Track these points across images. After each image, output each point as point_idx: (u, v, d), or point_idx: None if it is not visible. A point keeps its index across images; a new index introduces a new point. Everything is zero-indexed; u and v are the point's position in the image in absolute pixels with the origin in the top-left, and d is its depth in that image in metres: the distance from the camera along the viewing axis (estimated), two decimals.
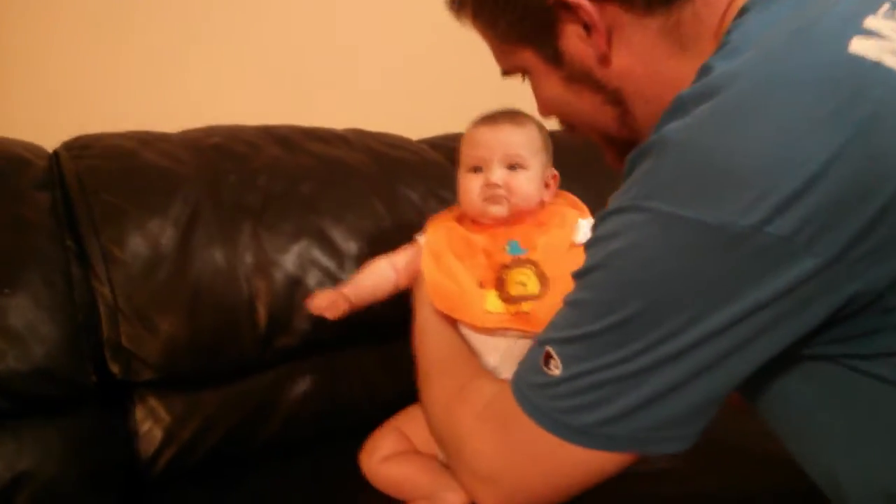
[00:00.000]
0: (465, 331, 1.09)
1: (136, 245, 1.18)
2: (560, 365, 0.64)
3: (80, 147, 1.27)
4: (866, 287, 0.56)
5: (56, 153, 1.27)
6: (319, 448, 1.27)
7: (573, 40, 0.73)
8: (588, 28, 0.71)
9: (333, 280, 1.30)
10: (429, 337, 1.05)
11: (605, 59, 0.72)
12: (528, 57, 0.77)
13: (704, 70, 0.63)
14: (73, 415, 1.13)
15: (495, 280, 1.08)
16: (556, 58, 0.75)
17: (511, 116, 1.12)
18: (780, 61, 0.58)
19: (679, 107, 0.60)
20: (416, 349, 1.04)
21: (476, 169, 1.11)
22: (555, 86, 0.77)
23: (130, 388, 1.20)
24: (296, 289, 1.28)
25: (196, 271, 1.20)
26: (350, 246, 1.34)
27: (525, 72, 0.80)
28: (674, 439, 0.63)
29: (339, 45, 1.75)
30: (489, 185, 1.09)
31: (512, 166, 1.10)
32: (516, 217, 1.11)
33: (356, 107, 1.72)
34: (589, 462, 0.65)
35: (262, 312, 1.25)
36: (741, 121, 0.56)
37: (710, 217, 0.55)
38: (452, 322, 1.08)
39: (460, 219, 1.17)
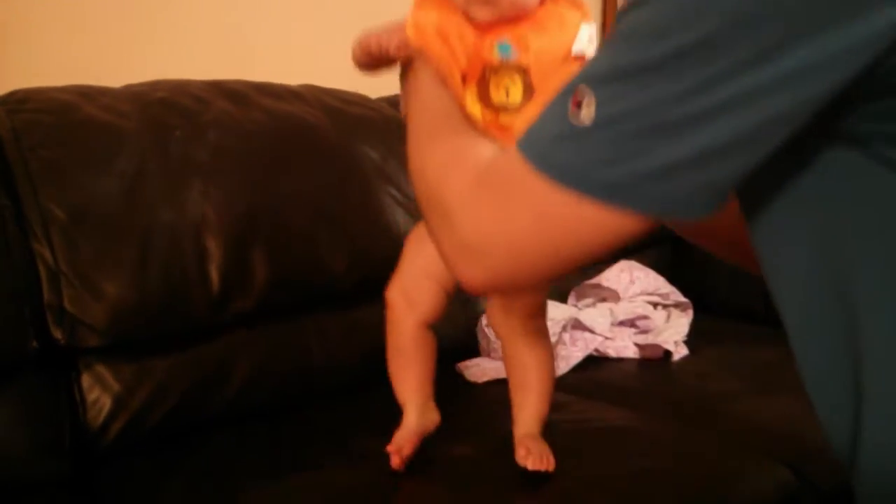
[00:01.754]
0: None
1: (78, 203, 1.14)
2: (594, 107, 0.55)
3: (17, 101, 1.22)
4: None
5: None
6: (278, 415, 1.25)
7: None
8: None
9: (290, 241, 1.28)
10: (423, 95, 0.92)
11: None
12: None
13: None
14: (16, 383, 1.10)
15: (479, 76, 0.98)
16: None
17: None
18: None
19: None
20: (406, 113, 0.91)
21: None
22: None
23: (76, 355, 1.16)
24: (250, 250, 1.25)
25: (143, 231, 1.17)
26: (307, 206, 1.32)
27: None
28: (703, 204, 0.55)
29: None
30: None
31: None
32: (507, 20, 0.98)
33: (310, 63, 1.67)
34: (606, 225, 0.57)
35: (214, 274, 1.21)
36: None
37: None
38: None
39: None
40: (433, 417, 1.11)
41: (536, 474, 1.02)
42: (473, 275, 0.65)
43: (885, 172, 0.54)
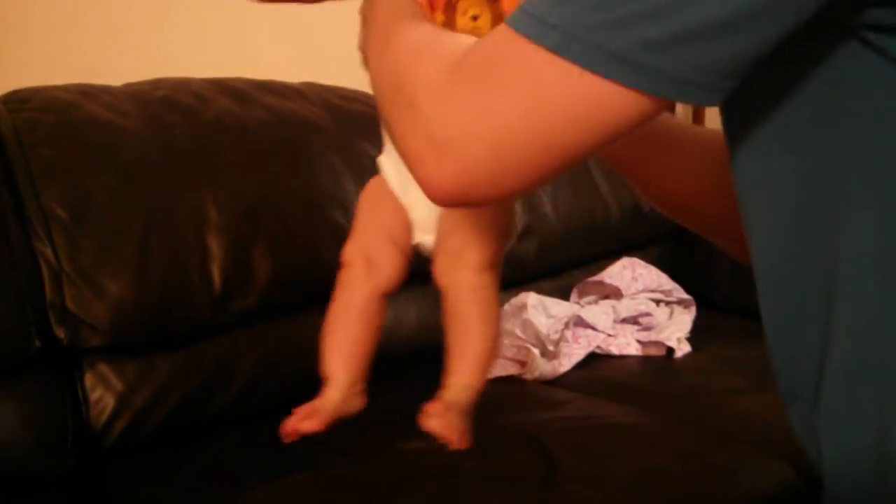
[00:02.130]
0: None
1: (79, 202, 1.14)
2: None
3: (18, 100, 1.22)
4: None
5: None
6: (280, 414, 1.24)
7: None
8: None
9: (291, 239, 1.28)
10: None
11: None
12: None
13: None
14: (20, 382, 1.10)
15: (444, 3, 0.94)
16: None
17: None
18: None
19: None
20: (371, 19, 0.76)
21: None
22: None
23: (79, 354, 1.16)
24: (252, 249, 1.24)
25: (144, 230, 1.17)
26: (309, 204, 1.31)
27: None
28: (709, 87, 0.49)
29: None
30: None
31: None
32: None
33: (310, 60, 1.67)
34: (609, 104, 0.49)
35: (216, 273, 1.21)
36: None
37: None
38: None
39: None
40: (357, 402, 0.97)
41: (536, 472, 1.02)
42: (443, 174, 0.54)
43: (882, 65, 0.49)
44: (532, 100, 0.50)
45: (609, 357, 1.52)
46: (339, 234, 1.31)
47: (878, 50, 0.49)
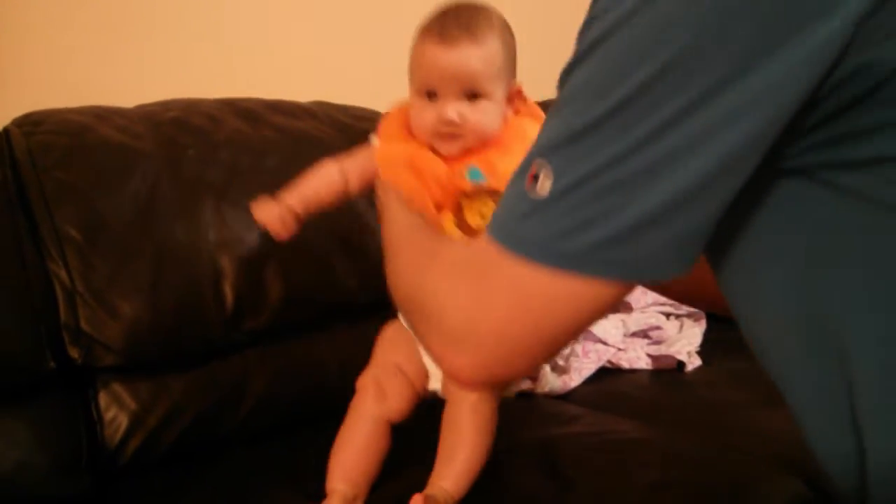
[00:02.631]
0: None
1: (93, 224, 1.15)
2: (550, 177, 0.54)
3: (32, 123, 1.23)
4: (879, 60, 0.48)
5: (6, 130, 1.23)
6: (294, 433, 1.25)
7: None
8: None
9: (303, 258, 1.28)
10: (391, 217, 0.94)
11: None
12: None
13: None
14: (35, 402, 1.10)
15: (454, 204, 1.00)
16: None
17: (468, 28, 0.97)
18: None
19: None
20: (385, 242, 0.92)
21: (429, 94, 1.00)
22: None
23: (93, 374, 1.17)
24: (263, 268, 1.25)
25: (157, 251, 1.18)
26: (319, 222, 1.29)
27: None
28: (674, 263, 0.55)
29: (302, 14, 1.71)
30: (444, 121, 0.98)
31: (471, 95, 0.98)
32: (474, 149, 1.02)
33: (321, 80, 1.68)
34: (582, 294, 0.56)
35: (228, 293, 1.22)
36: None
37: None
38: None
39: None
40: None
41: (548, 489, 1.02)
42: (464, 365, 0.63)
43: (833, 197, 0.54)
44: (517, 301, 0.58)
45: (620, 371, 1.52)
46: (350, 253, 1.34)
47: (825, 182, 0.54)
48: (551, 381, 1.40)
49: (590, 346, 1.53)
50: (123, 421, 1.16)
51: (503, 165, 0.99)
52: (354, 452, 1.03)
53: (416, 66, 1.01)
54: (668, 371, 1.52)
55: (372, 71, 1.73)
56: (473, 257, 0.63)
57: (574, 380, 1.44)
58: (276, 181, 1.29)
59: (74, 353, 1.13)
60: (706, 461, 1.13)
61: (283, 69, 1.67)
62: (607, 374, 1.50)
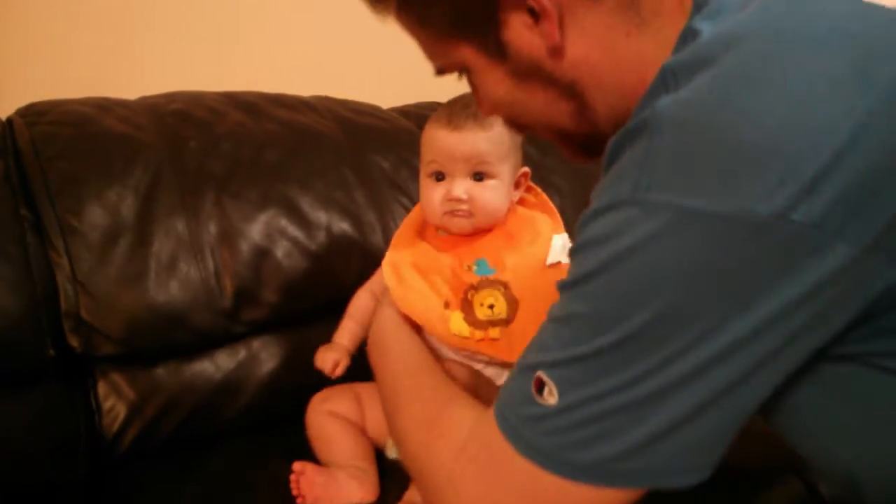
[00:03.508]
0: (434, 342, 1.03)
1: (95, 214, 1.16)
2: (556, 392, 0.56)
3: (35, 114, 1.24)
4: None
5: (10, 120, 1.25)
6: (292, 424, 1.25)
7: (519, 30, 0.65)
8: (536, 15, 0.63)
9: (302, 250, 1.29)
10: (391, 347, 0.96)
11: (556, 51, 0.64)
12: (468, 52, 0.68)
13: (689, 34, 0.58)
14: (33, 389, 1.12)
15: (461, 301, 1.02)
16: (499, 52, 0.66)
17: (475, 116, 1.01)
18: (786, 16, 0.52)
19: (668, 78, 0.55)
20: (374, 364, 0.97)
21: (438, 176, 1.04)
22: (500, 83, 0.68)
23: (92, 363, 1.18)
24: (263, 260, 1.26)
25: (158, 242, 1.19)
26: (319, 215, 1.33)
27: (463, 69, 0.71)
28: (693, 470, 0.56)
29: (304, 10, 1.72)
30: (452, 199, 1.02)
31: (478, 175, 1.02)
32: (483, 228, 1.05)
33: (323, 75, 1.70)
34: (593, 501, 0.57)
35: (227, 285, 1.23)
36: (748, 89, 0.50)
37: (725, 206, 0.49)
38: (417, 330, 1.02)
39: (424, 226, 1.12)
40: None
41: None
42: None
43: (885, 377, 0.55)
44: (526, 502, 0.59)
45: None
46: (350, 247, 1.35)
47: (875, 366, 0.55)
48: None
49: None
50: (121, 410, 1.18)
51: (511, 260, 1.02)
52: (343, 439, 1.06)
53: (426, 150, 1.05)
54: None
55: (373, 66, 1.75)
56: (482, 442, 0.63)
57: None
58: (277, 174, 1.31)
59: (74, 341, 1.14)
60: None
61: (285, 64, 1.69)
62: None
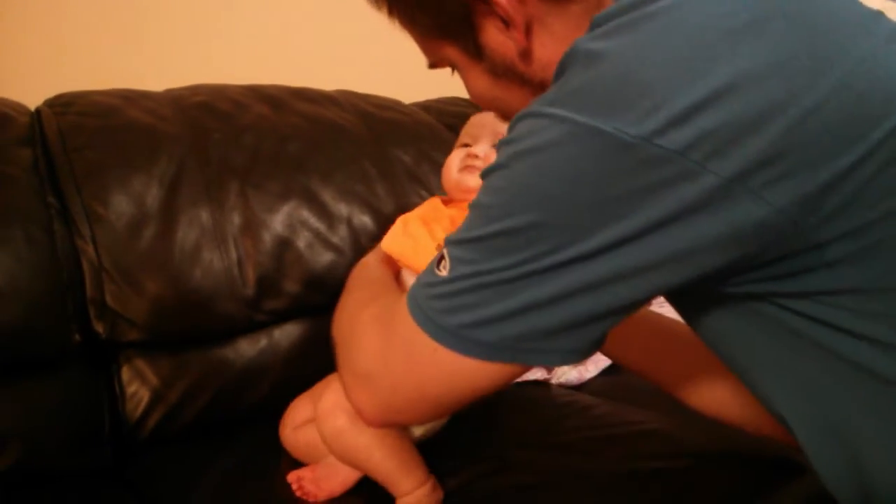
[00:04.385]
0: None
1: (120, 203, 1.19)
2: (448, 266, 0.65)
3: (63, 104, 1.27)
4: (785, 217, 0.54)
5: (38, 110, 1.28)
6: None
7: (493, 34, 0.72)
8: (506, 23, 0.70)
9: (323, 242, 1.31)
10: (360, 272, 1.05)
11: (526, 54, 0.71)
12: (452, 52, 0.76)
13: None
14: (59, 374, 1.15)
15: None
16: (478, 52, 0.74)
17: None
18: None
19: (593, 25, 0.60)
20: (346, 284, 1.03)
21: (465, 145, 1.13)
22: (481, 80, 0.76)
23: (116, 349, 1.21)
24: (285, 250, 1.29)
25: (182, 230, 1.22)
26: (340, 207, 1.35)
27: (452, 65, 0.79)
28: (552, 352, 0.63)
29: (329, 5, 1.75)
30: (470, 155, 1.11)
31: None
32: None
33: (346, 70, 1.72)
34: (460, 369, 0.65)
35: (250, 274, 1.26)
36: (648, 26, 0.56)
37: (605, 125, 0.54)
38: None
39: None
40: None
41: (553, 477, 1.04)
42: (364, 403, 0.73)
43: (788, 316, 0.61)
44: (407, 360, 0.68)
45: None
46: (370, 238, 1.37)
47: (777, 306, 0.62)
48: (566, 370, 1.42)
49: None
50: (145, 395, 1.21)
51: None
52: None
53: (463, 128, 1.17)
54: None
55: (395, 62, 1.77)
56: (393, 307, 0.71)
57: (590, 371, 1.45)
58: (298, 166, 1.33)
59: (99, 327, 1.17)
60: (713, 453, 1.14)
61: (308, 58, 1.71)
62: None
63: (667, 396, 1.37)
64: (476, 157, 1.10)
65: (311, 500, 1.02)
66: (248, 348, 1.28)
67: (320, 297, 1.31)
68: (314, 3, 1.74)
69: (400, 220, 1.13)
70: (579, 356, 0.65)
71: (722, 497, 1.05)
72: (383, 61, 1.76)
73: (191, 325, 1.22)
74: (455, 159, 1.13)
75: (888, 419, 0.61)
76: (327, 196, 1.34)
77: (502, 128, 1.02)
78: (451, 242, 0.65)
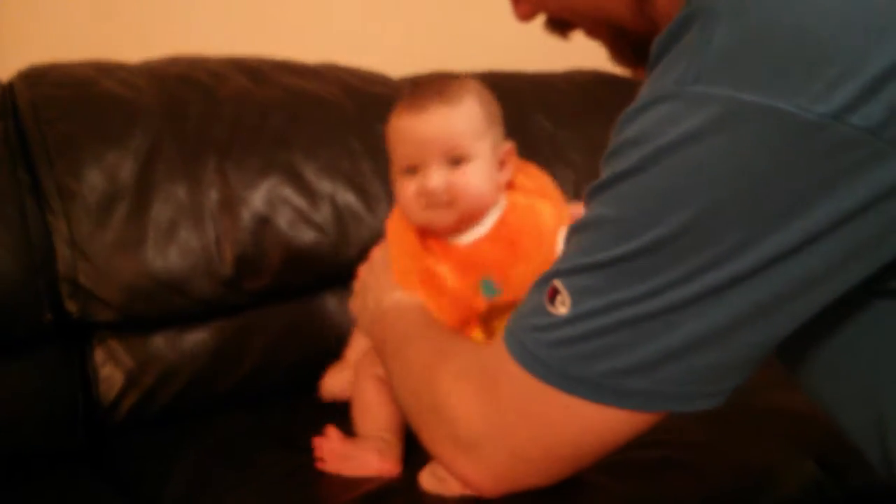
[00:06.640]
0: None
1: (94, 178, 1.18)
2: (568, 301, 0.54)
3: (35, 76, 1.26)
4: None
5: (10, 83, 1.27)
6: (292, 394, 1.27)
7: None
8: None
9: (305, 220, 1.31)
10: (395, 314, 0.89)
11: None
12: None
13: None
14: (31, 355, 1.15)
15: (478, 321, 0.95)
16: None
17: (441, 92, 0.91)
18: None
19: None
20: (389, 332, 0.88)
21: (411, 169, 0.92)
22: None
23: (90, 330, 1.21)
24: (265, 228, 1.28)
25: (157, 207, 1.21)
26: (324, 185, 1.35)
27: None
28: (705, 396, 0.54)
29: None
30: (425, 192, 0.90)
31: (454, 160, 0.91)
32: (470, 218, 0.95)
33: (330, 42, 1.71)
34: (596, 421, 0.55)
35: (228, 253, 1.25)
36: None
37: (779, 101, 0.45)
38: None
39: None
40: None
41: None
42: (476, 475, 0.63)
43: None
44: (527, 418, 0.58)
45: None
46: (354, 217, 1.36)
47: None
48: None
49: None
50: (119, 378, 1.20)
51: (517, 272, 0.92)
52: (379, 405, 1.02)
53: (393, 144, 0.95)
54: None
55: (383, 34, 1.76)
56: (486, 359, 0.62)
57: None
58: (280, 141, 1.33)
59: (72, 307, 1.16)
60: (716, 440, 1.14)
61: (291, 29, 1.69)
62: None
63: None
64: (434, 193, 0.90)
65: (319, 464, 0.98)
66: (225, 330, 1.28)
67: (301, 277, 1.32)
68: None
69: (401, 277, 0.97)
70: (727, 395, 0.55)
71: (731, 483, 1.05)
72: (370, 34, 1.75)
73: (166, 305, 1.21)
74: (409, 195, 0.93)
75: None
76: (310, 172, 1.34)
77: (459, 140, 0.90)
78: (564, 272, 0.55)
